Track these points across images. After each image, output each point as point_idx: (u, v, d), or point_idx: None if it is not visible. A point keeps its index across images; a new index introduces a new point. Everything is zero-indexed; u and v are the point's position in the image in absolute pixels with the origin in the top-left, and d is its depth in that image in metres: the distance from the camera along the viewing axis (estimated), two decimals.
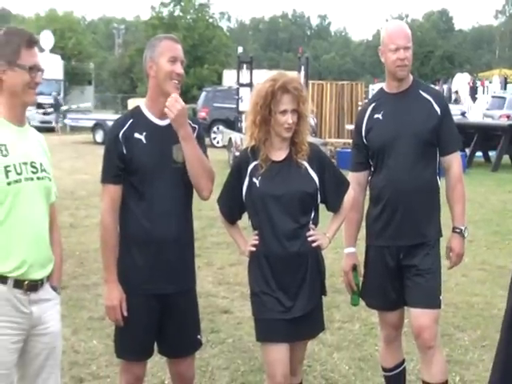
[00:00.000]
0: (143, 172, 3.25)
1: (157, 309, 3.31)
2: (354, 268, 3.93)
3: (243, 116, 15.41)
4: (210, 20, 43.50)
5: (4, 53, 2.75)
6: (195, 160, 3.27)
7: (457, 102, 27.77)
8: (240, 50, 19.74)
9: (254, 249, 3.44)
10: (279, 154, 3.44)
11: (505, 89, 26.44)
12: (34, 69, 2.81)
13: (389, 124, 3.76)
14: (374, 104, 3.87)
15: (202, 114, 24.14)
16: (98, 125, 25.21)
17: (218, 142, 22.58)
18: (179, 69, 3.29)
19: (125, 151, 3.25)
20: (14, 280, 2.73)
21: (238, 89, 18.51)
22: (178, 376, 3.48)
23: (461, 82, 28.09)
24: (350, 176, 3.84)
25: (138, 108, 3.38)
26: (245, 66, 17.66)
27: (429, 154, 3.76)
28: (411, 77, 3.86)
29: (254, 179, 3.40)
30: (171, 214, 3.29)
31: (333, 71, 71.21)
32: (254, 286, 3.47)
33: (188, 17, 42.38)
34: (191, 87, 37.81)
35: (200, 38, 39.68)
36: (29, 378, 2.86)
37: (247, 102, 14.88)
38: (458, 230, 3.82)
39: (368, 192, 3.97)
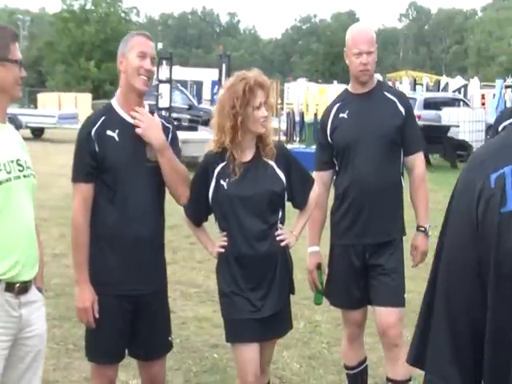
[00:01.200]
0: (116, 170, 3.19)
1: (129, 310, 3.25)
2: (318, 267, 3.96)
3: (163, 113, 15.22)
4: (123, 14, 42.79)
5: None
6: (173, 171, 3.26)
7: None
8: (160, 46, 19.54)
9: (222, 250, 3.43)
10: (246, 155, 3.43)
11: (414, 90, 27.35)
12: (20, 63, 2.73)
13: (354, 123, 3.81)
14: (338, 104, 3.91)
15: None
16: None
17: None
18: (148, 65, 3.23)
19: (97, 149, 3.18)
20: (5, 283, 2.64)
21: (157, 85, 18.25)
22: (150, 378, 3.42)
23: None
24: (315, 175, 3.86)
25: (109, 105, 3.32)
26: (164, 62, 17.44)
27: (393, 154, 3.83)
28: (375, 78, 3.93)
29: (222, 181, 3.39)
30: (145, 214, 3.24)
31: (242, 69, 71.37)
32: (224, 286, 3.45)
33: (100, 10, 41.51)
34: (103, 82, 37.07)
35: (113, 33, 38.82)
36: (11, 382, 2.74)
37: (167, 98, 14.78)
38: (422, 229, 3.90)
39: (332, 191, 4.01)
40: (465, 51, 78.91)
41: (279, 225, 3.44)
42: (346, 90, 3.97)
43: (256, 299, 3.37)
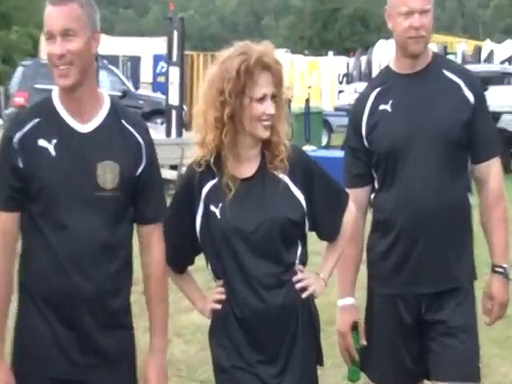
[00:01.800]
0: (48, 197, 3.19)
1: None
2: (354, 327, 3.98)
3: None
4: None
5: None
6: None
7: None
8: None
9: (218, 306, 3.44)
10: (247, 168, 3.42)
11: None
12: None
13: (401, 118, 3.83)
14: (378, 89, 3.93)
15: (18, 100, 23.51)
16: None
17: None
18: (55, 47, 3.17)
19: (21, 164, 3.19)
20: None
21: None
22: None
23: (385, 52, 29.05)
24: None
25: (49, 100, 3.29)
26: None
27: (458, 161, 3.86)
28: (430, 51, 3.95)
29: (212, 207, 3.39)
30: (89, 261, 3.24)
31: (192, 36, 71.78)
32: (222, 359, 3.44)
33: None
34: None
35: None
36: None
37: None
38: (500, 270, 3.92)
39: (370, 216, 4.04)
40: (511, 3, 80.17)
41: (299, 266, 3.45)
42: (388, 67, 4.00)
43: (269, 376, 3.37)
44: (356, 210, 3.79)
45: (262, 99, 3.32)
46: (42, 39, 28.57)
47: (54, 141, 3.20)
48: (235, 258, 3.36)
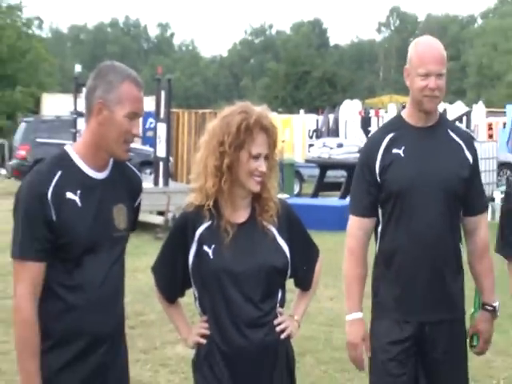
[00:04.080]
0: (78, 246, 3.16)
1: None
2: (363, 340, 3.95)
3: None
4: (24, 28, 42.84)
5: None
6: None
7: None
8: (78, 68, 19.43)
9: (203, 341, 3.41)
10: (239, 215, 3.42)
11: None
12: None
13: (412, 164, 3.86)
14: (392, 134, 3.95)
15: (21, 153, 23.55)
16: None
17: None
18: (137, 129, 3.28)
19: (54, 217, 3.13)
20: None
21: (75, 119, 18.27)
22: None
23: (350, 110, 29.23)
24: (356, 221, 3.93)
25: (65, 154, 3.27)
26: (84, 89, 17.43)
27: (454, 211, 3.92)
28: (438, 110, 4.00)
29: (205, 247, 3.37)
30: (110, 301, 3.26)
31: (178, 95, 72.00)
32: None
33: None
34: None
35: (10, 51, 38.82)
36: None
37: None
38: (490, 308, 3.97)
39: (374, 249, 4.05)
40: (462, 69, 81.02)
41: (279, 309, 3.44)
42: (401, 117, 4.03)
43: None
44: (363, 237, 3.92)
45: (256, 157, 3.33)
46: (44, 97, 28.61)
47: (79, 191, 3.19)
48: (224, 297, 3.34)
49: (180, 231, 3.45)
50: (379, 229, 3.97)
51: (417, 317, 3.85)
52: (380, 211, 3.94)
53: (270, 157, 3.38)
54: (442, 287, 3.85)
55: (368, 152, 4.00)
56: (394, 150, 3.90)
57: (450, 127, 4.01)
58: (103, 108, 3.19)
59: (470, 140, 4.04)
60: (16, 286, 3.16)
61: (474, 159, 3.96)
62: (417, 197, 3.83)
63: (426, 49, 3.88)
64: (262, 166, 3.34)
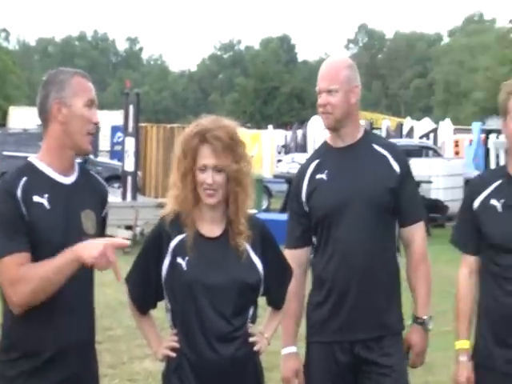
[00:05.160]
0: (48, 248, 3.14)
1: None
2: (297, 374, 3.95)
3: None
4: None
5: None
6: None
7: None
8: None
9: (172, 354, 3.40)
10: (213, 229, 3.42)
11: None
12: None
13: (335, 186, 3.87)
14: (316, 161, 3.97)
15: None
16: None
17: None
18: (97, 117, 3.32)
19: (26, 215, 3.14)
20: None
21: (42, 132, 18.13)
22: None
23: (318, 126, 29.32)
24: (288, 254, 3.86)
25: (29, 163, 3.28)
26: None
27: (386, 225, 3.90)
28: (362, 127, 4.02)
29: (179, 259, 3.37)
30: (83, 309, 3.28)
31: (146, 110, 71.88)
32: None
33: None
34: None
35: None
36: None
37: None
38: (420, 321, 3.96)
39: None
40: (429, 86, 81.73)
41: (249, 325, 3.44)
42: (325, 142, 4.06)
43: None
44: (297, 270, 3.84)
45: (202, 169, 3.33)
46: (11, 110, 28.39)
47: (46, 195, 3.20)
48: (196, 310, 3.34)
49: (154, 242, 3.45)
50: (311, 256, 4.00)
51: (345, 336, 3.85)
52: (314, 239, 3.97)
53: (223, 168, 3.33)
54: (370, 304, 3.83)
55: (295, 183, 4.05)
56: (318, 176, 3.93)
57: (374, 141, 3.98)
58: (61, 106, 3.24)
59: (396, 151, 4.00)
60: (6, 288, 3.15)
61: (402, 169, 3.92)
62: (343, 218, 3.83)
63: (321, 67, 3.96)
64: (208, 178, 3.32)
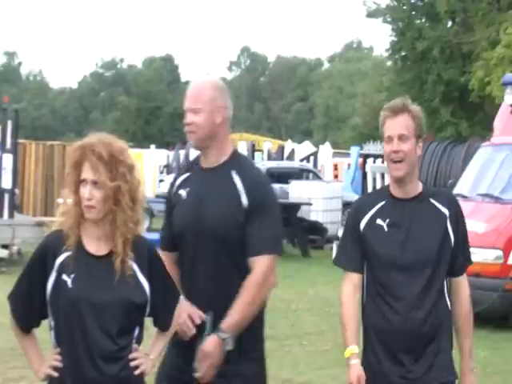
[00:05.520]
0: None
1: None
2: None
3: None
4: None
5: None
6: None
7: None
8: None
9: (55, 373, 3.36)
10: (100, 247, 3.40)
11: (253, 158, 28.18)
12: None
13: (190, 206, 3.93)
14: (185, 176, 4.06)
15: None
16: None
17: None
18: None
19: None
20: None
21: None
22: None
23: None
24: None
25: None
26: None
27: (232, 256, 3.89)
28: (230, 149, 4.00)
29: (65, 276, 3.34)
30: None
31: (25, 126, 70.54)
32: None
33: None
34: None
35: None
36: None
37: None
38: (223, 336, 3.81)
39: None
40: (310, 110, 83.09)
41: (134, 345, 3.43)
42: (197, 157, 4.09)
43: None
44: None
45: (83, 184, 3.33)
46: None
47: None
48: (80, 327, 3.32)
49: (39, 258, 3.42)
50: None
51: None
52: None
53: (102, 184, 3.31)
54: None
55: (168, 193, 4.17)
56: (180, 191, 4.00)
57: (236, 168, 3.91)
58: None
59: (250, 183, 3.87)
60: None
61: (252, 203, 3.84)
62: (189, 239, 3.92)
63: (188, 87, 4.05)
64: (86, 191, 3.32)
